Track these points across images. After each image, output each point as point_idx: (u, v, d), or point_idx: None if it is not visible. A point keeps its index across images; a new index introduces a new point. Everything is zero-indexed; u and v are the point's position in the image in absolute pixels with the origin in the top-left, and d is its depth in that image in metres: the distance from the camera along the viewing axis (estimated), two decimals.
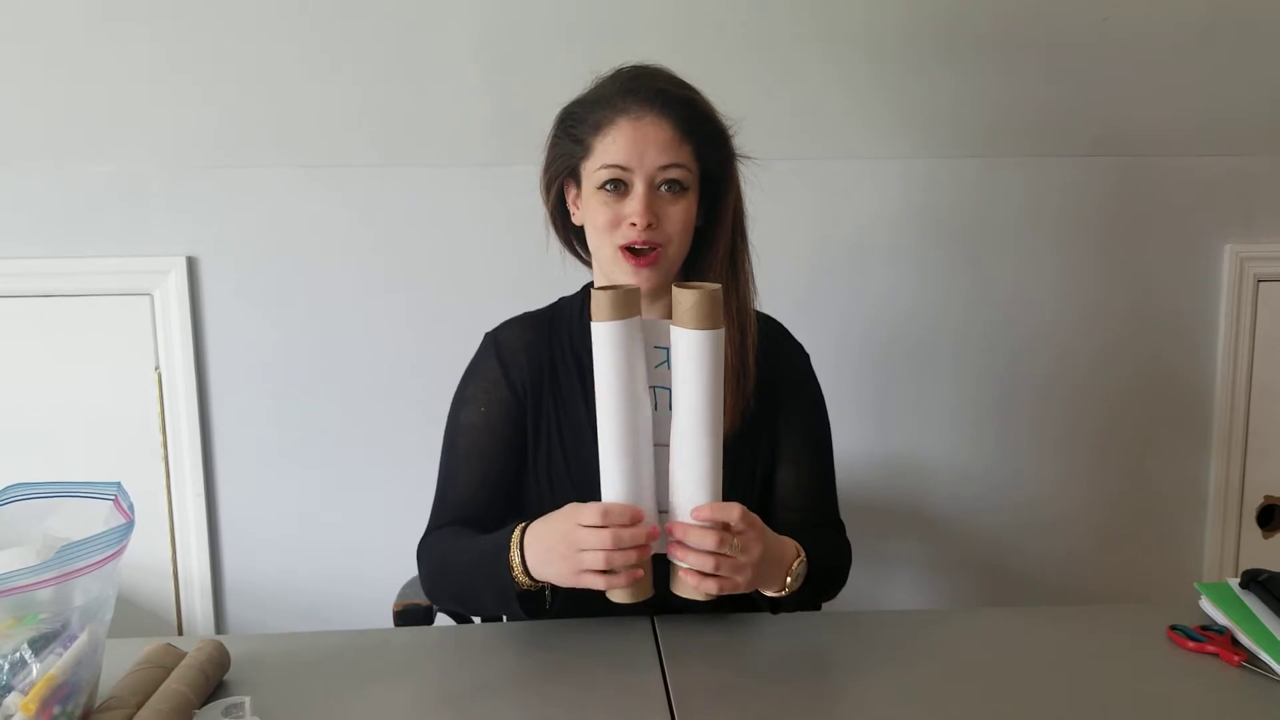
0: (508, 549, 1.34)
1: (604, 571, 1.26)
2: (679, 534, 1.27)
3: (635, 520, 1.26)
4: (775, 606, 1.43)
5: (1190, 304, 2.36)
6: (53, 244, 2.16)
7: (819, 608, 1.51)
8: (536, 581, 1.34)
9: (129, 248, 2.17)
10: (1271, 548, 2.44)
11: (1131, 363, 2.37)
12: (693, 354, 1.24)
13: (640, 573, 1.27)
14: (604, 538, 1.24)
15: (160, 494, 2.24)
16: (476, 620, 1.63)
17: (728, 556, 1.26)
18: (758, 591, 1.39)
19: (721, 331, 1.24)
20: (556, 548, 1.28)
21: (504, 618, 1.52)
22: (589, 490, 1.33)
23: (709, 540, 1.26)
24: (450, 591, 1.48)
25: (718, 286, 1.24)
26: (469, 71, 2.14)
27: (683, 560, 1.28)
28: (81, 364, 2.20)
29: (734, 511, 1.27)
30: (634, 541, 1.25)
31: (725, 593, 1.29)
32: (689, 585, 1.29)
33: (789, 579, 1.36)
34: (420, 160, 2.17)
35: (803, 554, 1.39)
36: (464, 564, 1.43)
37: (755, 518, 1.30)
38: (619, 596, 1.30)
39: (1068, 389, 2.36)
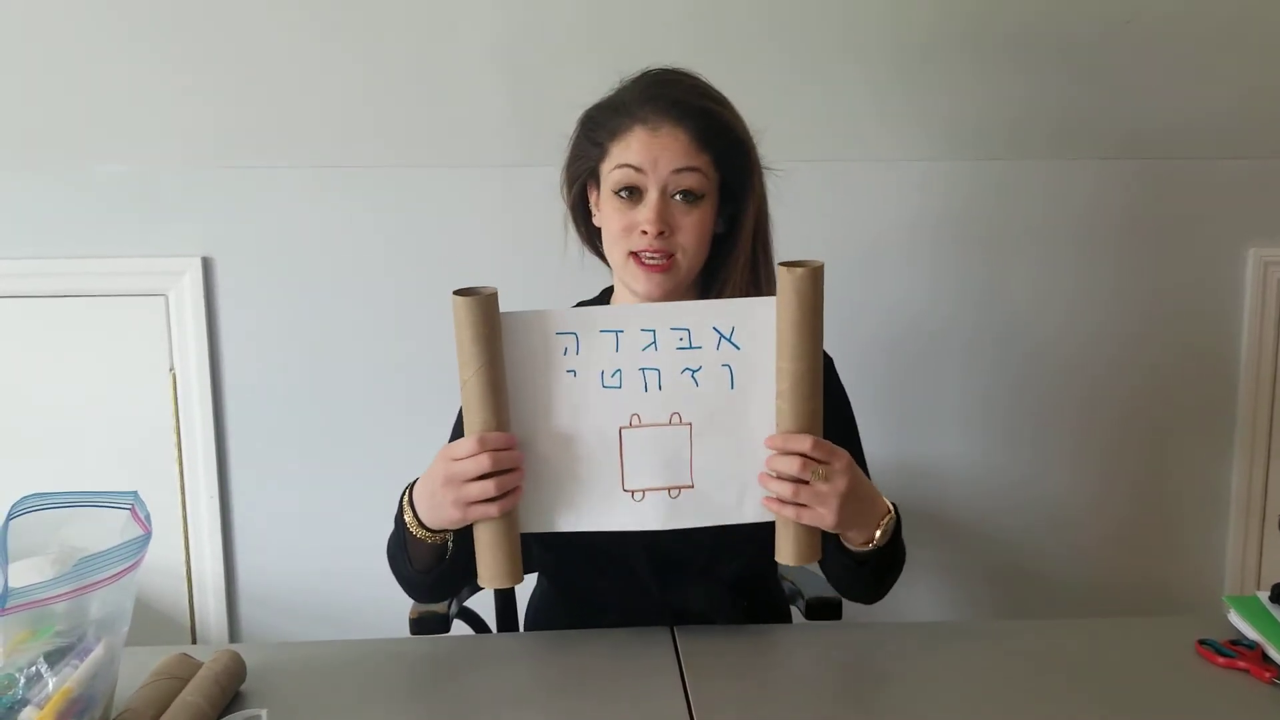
0: (402, 511, 1.38)
1: (491, 500, 1.28)
2: (767, 464, 1.30)
3: (509, 445, 1.28)
4: (859, 564, 1.41)
5: (1213, 307, 2.33)
6: (67, 244, 2.15)
7: (884, 591, 1.49)
8: (435, 533, 1.36)
9: (144, 248, 2.16)
10: None
11: (1154, 367, 2.34)
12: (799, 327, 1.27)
13: (521, 491, 1.30)
14: (482, 461, 1.26)
15: (174, 496, 2.23)
16: (493, 630, 1.62)
17: (808, 484, 1.28)
18: (841, 545, 1.39)
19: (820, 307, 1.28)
20: (438, 490, 1.30)
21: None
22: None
23: (793, 466, 1.28)
24: (393, 569, 1.48)
25: (820, 264, 1.27)
26: (486, 73, 2.13)
27: (767, 487, 1.31)
28: (96, 365, 2.19)
29: (805, 441, 1.28)
30: (511, 463, 1.28)
31: (809, 524, 1.30)
32: (785, 541, 1.33)
33: (878, 532, 1.35)
34: (436, 162, 2.16)
35: (894, 511, 1.39)
36: (391, 539, 1.45)
37: (841, 451, 1.30)
38: (490, 581, 1.32)
39: (1090, 392, 2.34)
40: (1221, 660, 1.35)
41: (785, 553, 1.34)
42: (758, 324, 1.30)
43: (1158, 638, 1.43)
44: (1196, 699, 1.29)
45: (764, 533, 1.36)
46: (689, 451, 1.34)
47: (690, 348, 1.31)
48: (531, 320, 1.30)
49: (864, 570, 1.42)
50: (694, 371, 1.32)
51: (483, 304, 1.26)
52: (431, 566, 1.42)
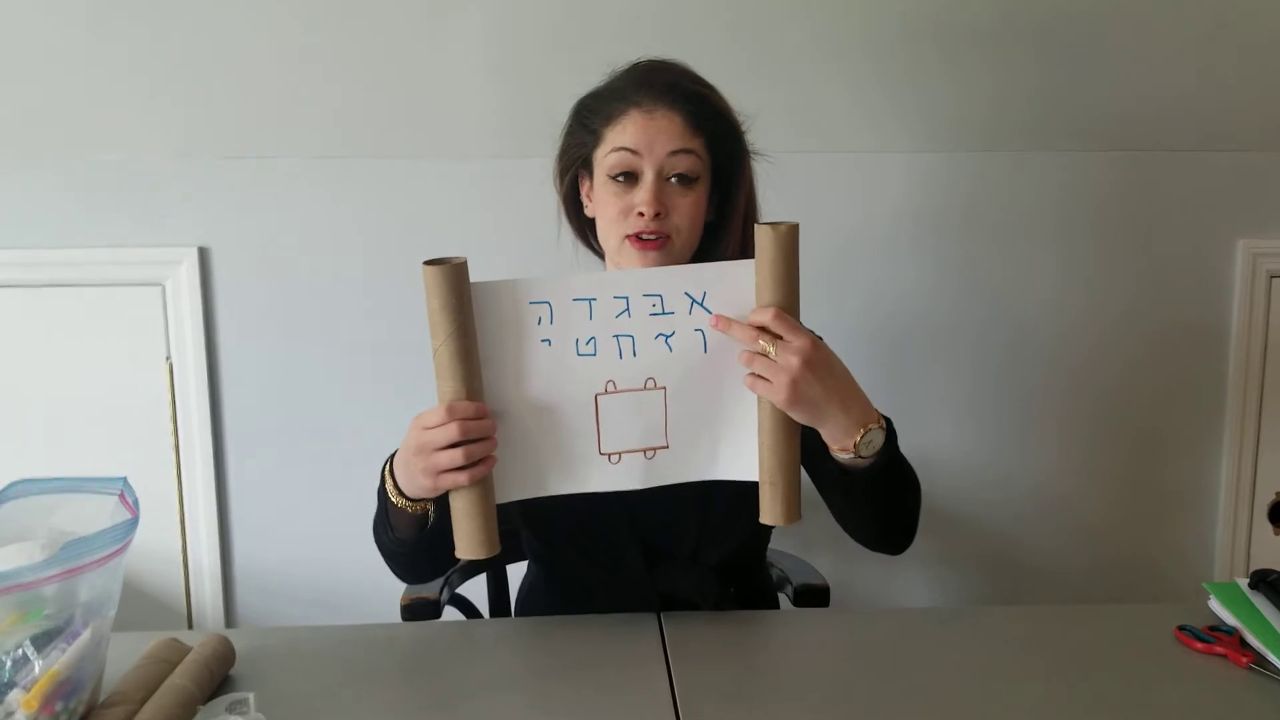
0: (383, 480, 1.39)
1: (461, 468, 1.28)
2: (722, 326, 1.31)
3: (480, 414, 1.29)
4: (846, 480, 1.38)
5: (1202, 299, 2.34)
6: (64, 234, 2.17)
7: (897, 522, 1.48)
8: (415, 502, 1.37)
9: (141, 238, 2.18)
10: None
11: (1144, 358, 2.35)
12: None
13: (494, 460, 1.30)
14: (451, 430, 1.26)
15: (171, 483, 2.24)
16: (485, 615, 1.63)
17: (761, 355, 1.28)
18: (827, 455, 1.37)
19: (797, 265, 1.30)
20: (412, 460, 1.30)
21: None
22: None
23: (748, 335, 1.29)
24: (377, 544, 1.49)
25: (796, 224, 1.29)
26: (479, 65, 2.14)
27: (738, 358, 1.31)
28: (93, 354, 2.21)
29: (767, 313, 1.28)
30: (481, 432, 1.28)
31: (762, 394, 1.30)
32: (765, 500, 1.33)
33: (858, 438, 1.33)
34: (431, 152, 2.17)
35: (884, 424, 1.36)
36: (375, 513, 1.46)
37: (805, 334, 1.29)
38: (466, 552, 1.32)
39: (1079, 383, 2.35)
40: (1200, 646, 1.36)
41: (766, 512, 1.34)
42: (728, 288, 1.32)
43: (1138, 624, 1.44)
44: (1174, 683, 1.30)
45: (749, 518, 1.37)
46: (664, 414, 1.35)
47: (663, 313, 1.32)
48: (504, 290, 1.31)
49: (857, 486, 1.39)
50: (667, 337, 1.33)
51: (449, 273, 1.27)
52: (414, 537, 1.42)
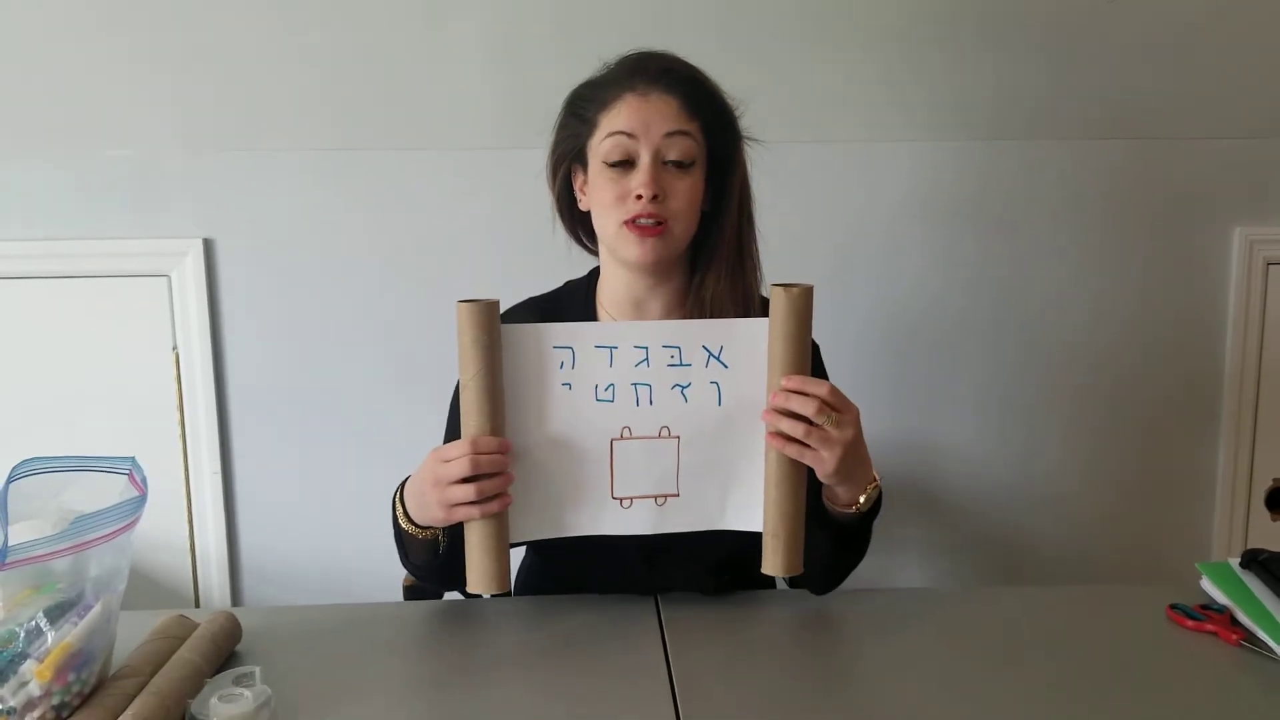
0: (394, 506, 1.41)
1: (475, 502, 1.30)
2: (779, 401, 1.32)
3: (500, 450, 1.31)
4: (840, 530, 1.43)
5: (1200, 287, 2.35)
6: (71, 226, 2.19)
7: (838, 578, 1.51)
8: (424, 529, 1.39)
9: (147, 230, 2.20)
10: None
11: (1141, 346, 2.37)
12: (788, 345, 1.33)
13: (509, 498, 1.32)
14: (465, 465, 1.28)
15: (177, 472, 2.27)
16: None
17: (819, 428, 1.30)
18: (821, 507, 1.42)
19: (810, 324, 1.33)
20: (427, 490, 1.33)
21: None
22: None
23: (810, 408, 1.30)
24: (400, 559, 1.50)
25: (810, 285, 1.32)
26: (478, 57, 2.16)
27: (775, 425, 1.32)
28: (100, 344, 2.23)
29: (824, 387, 1.31)
30: (496, 468, 1.30)
31: (810, 464, 1.33)
32: (771, 553, 1.35)
33: (863, 498, 1.38)
34: (434, 144, 2.19)
35: (878, 481, 1.41)
36: (394, 535, 1.48)
37: (853, 406, 1.34)
38: (476, 585, 1.35)
39: (1076, 372, 2.37)
40: (1191, 624, 1.39)
41: (768, 563, 1.38)
42: (745, 344, 1.36)
43: (1130, 602, 1.47)
44: (1166, 660, 1.32)
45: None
46: (676, 463, 1.39)
47: (680, 365, 1.36)
48: (530, 333, 1.34)
49: (832, 539, 1.44)
50: (684, 388, 1.37)
51: (483, 310, 1.30)
52: (428, 562, 1.45)
